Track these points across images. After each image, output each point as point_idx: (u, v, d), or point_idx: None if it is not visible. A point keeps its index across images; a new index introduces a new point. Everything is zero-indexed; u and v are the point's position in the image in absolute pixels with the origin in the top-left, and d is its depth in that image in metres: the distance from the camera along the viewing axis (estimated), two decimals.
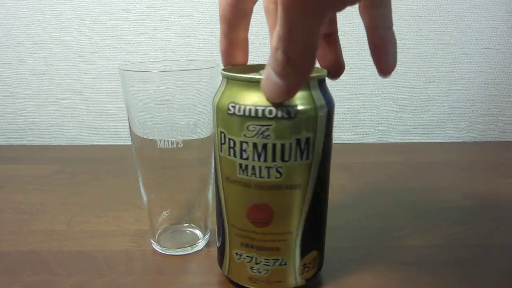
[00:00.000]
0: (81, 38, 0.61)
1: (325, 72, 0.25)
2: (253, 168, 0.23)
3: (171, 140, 0.29)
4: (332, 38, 0.27)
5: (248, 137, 0.23)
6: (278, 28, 0.19)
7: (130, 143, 0.32)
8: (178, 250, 0.33)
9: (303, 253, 0.26)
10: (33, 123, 0.65)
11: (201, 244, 0.33)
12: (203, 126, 0.30)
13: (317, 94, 0.23)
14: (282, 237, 0.25)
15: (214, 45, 0.61)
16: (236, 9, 0.26)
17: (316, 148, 0.24)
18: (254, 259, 0.26)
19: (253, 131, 0.23)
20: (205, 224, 0.34)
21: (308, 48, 0.19)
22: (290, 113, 0.22)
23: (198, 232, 0.34)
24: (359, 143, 0.64)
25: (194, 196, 0.33)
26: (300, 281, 0.27)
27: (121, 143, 0.64)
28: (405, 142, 0.65)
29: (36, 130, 0.66)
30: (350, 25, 0.57)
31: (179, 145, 0.30)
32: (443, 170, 0.51)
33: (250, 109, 0.23)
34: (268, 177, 0.23)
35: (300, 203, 0.25)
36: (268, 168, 0.23)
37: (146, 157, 0.31)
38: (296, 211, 0.25)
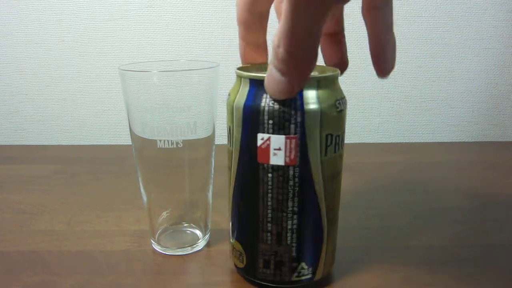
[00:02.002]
0: (81, 38, 0.61)
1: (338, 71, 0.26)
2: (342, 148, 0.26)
3: (171, 140, 0.29)
4: (338, 37, 0.27)
5: (343, 127, 0.26)
6: (281, 25, 0.19)
7: (130, 143, 0.32)
8: (178, 250, 0.33)
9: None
10: (33, 123, 0.65)
11: (201, 244, 0.33)
12: (203, 126, 0.30)
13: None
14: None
15: (214, 45, 0.61)
16: (252, 13, 0.26)
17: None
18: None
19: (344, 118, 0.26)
20: (205, 224, 0.34)
21: (310, 45, 0.20)
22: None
23: (198, 232, 0.34)
24: (359, 143, 0.64)
25: (194, 196, 0.33)
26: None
27: (121, 143, 0.64)
28: (405, 142, 0.65)
29: (36, 130, 0.66)
30: (350, 25, 0.57)
31: (179, 145, 0.30)
32: (443, 170, 0.51)
33: (346, 101, 0.26)
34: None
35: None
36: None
37: (146, 157, 0.31)
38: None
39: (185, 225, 0.34)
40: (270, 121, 0.23)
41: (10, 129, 0.66)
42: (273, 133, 0.23)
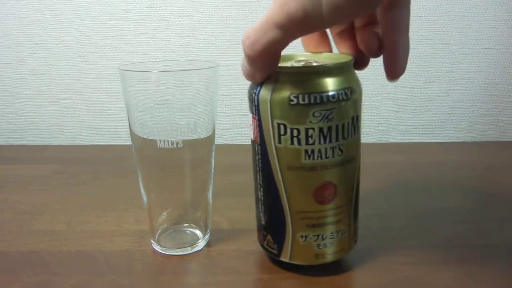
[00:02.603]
0: (81, 38, 0.61)
1: (352, 57, 0.27)
2: (319, 151, 0.25)
3: (171, 140, 0.29)
4: (344, 33, 0.28)
5: (314, 123, 0.25)
6: (252, 28, 0.22)
7: (130, 143, 0.32)
8: (178, 250, 0.33)
9: (355, 219, 0.29)
10: (33, 123, 0.65)
11: (201, 244, 0.33)
12: (203, 126, 0.30)
13: (355, 75, 0.27)
14: (344, 209, 0.28)
15: (214, 45, 0.61)
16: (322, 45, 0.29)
17: (360, 123, 0.27)
18: (320, 236, 0.28)
19: (318, 116, 0.25)
20: (205, 224, 0.34)
21: (267, 57, 0.23)
22: (347, 94, 0.25)
23: (198, 232, 0.34)
24: None
25: (194, 196, 0.33)
26: (353, 244, 0.30)
27: (121, 143, 0.64)
28: (405, 142, 0.65)
29: (36, 130, 0.66)
30: None
31: (179, 145, 0.30)
32: (443, 170, 0.51)
33: (315, 97, 0.24)
34: (332, 156, 0.26)
35: (355, 173, 0.28)
36: (332, 148, 0.26)
37: (146, 157, 0.31)
38: (352, 183, 0.28)
39: (185, 225, 0.34)
40: (248, 102, 0.27)
41: (10, 129, 0.66)
42: (249, 112, 0.27)
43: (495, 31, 0.60)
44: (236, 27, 0.59)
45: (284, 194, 0.27)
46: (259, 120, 0.26)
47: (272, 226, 0.29)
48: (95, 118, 0.65)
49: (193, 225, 0.34)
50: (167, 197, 0.33)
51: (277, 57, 0.23)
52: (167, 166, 0.31)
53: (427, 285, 0.29)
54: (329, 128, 0.25)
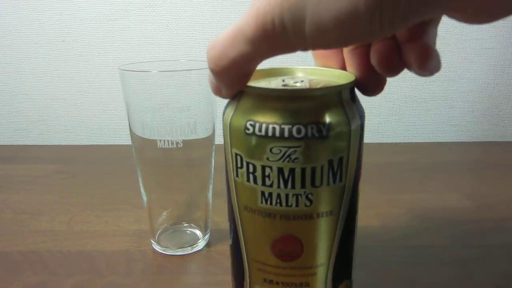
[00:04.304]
0: (81, 38, 0.61)
1: (354, 79, 0.21)
2: (278, 196, 0.20)
3: (171, 140, 0.29)
4: (358, 50, 0.23)
5: (271, 161, 0.19)
6: (219, 38, 0.18)
7: (130, 143, 0.32)
8: (178, 250, 0.33)
9: (335, 286, 0.23)
10: (33, 123, 0.65)
11: (201, 244, 0.33)
12: (203, 126, 0.30)
13: (348, 105, 0.20)
14: (313, 271, 0.22)
15: None
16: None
17: (349, 168, 0.20)
18: None
19: (277, 154, 0.19)
20: (205, 224, 0.34)
21: (233, 72, 0.19)
22: (322, 131, 0.19)
23: (198, 232, 0.34)
24: None
25: (194, 196, 0.33)
26: None
27: (121, 143, 0.64)
28: (405, 142, 0.65)
29: (36, 130, 0.66)
30: None
31: (179, 145, 0.30)
32: (443, 170, 0.51)
33: (274, 128, 0.19)
34: (297, 205, 0.20)
35: (333, 231, 0.21)
36: (297, 195, 0.20)
37: (146, 157, 0.31)
38: (328, 241, 0.21)
39: (185, 225, 0.34)
40: None
41: (10, 129, 0.66)
42: None
43: (495, 31, 0.60)
44: None
45: (242, 237, 0.22)
46: (225, 143, 0.21)
47: (234, 271, 0.24)
48: (95, 118, 0.65)
49: (193, 225, 0.34)
50: (167, 197, 0.33)
51: (246, 74, 0.19)
52: (167, 166, 0.31)
53: (427, 285, 0.29)
54: (292, 171, 0.19)
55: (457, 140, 0.66)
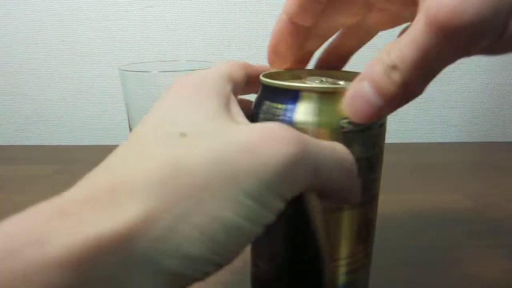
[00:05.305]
0: (81, 38, 0.61)
1: None
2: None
3: None
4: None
5: (359, 153, 0.20)
6: (405, 45, 0.17)
7: None
8: None
9: None
10: (33, 123, 0.65)
11: None
12: None
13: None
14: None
15: (214, 46, 0.61)
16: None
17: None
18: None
19: (364, 146, 0.21)
20: None
21: (428, 81, 0.17)
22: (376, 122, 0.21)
23: None
24: None
25: None
26: None
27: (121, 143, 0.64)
28: (405, 142, 0.65)
29: (36, 130, 0.66)
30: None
31: None
32: (443, 170, 0.51)
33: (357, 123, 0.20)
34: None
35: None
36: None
37: None
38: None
39: None
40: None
41: (10, 129, 0.66)
42: None
43: None
44: (236, 27, 0.59)
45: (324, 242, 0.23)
46: None
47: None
48: (95, 118, 0.65)
49: None
50: None
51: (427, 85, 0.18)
52: None
53: (427, 285, 0.29)
54: (366, 160, 0.21)
55: (457, 140, 0.66)
